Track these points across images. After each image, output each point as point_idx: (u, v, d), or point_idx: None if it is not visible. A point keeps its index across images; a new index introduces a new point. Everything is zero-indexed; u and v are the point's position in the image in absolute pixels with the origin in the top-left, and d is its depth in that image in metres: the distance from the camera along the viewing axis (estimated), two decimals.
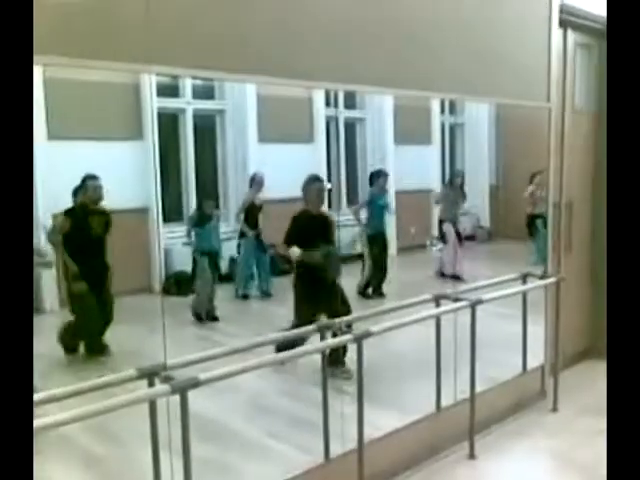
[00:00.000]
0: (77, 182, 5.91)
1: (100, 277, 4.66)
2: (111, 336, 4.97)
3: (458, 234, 7.34)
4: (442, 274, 7.12)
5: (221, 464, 3.05)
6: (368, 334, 2.93)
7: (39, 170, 5.73)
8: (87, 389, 2.32)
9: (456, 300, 3.64)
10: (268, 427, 3.66)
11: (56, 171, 5.66)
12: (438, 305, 3.63)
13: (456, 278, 6.86)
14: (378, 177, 6.97)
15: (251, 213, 6.66)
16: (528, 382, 4.56)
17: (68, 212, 4.90)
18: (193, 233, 6.23)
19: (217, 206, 6.86)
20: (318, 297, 4.29)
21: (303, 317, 4.01)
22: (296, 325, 3.91)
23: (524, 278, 4.40)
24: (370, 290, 6.55)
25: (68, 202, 5.03)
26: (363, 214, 6.86)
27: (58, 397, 2.24)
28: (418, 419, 3.56)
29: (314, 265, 4.29)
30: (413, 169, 7.78)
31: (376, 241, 6.63)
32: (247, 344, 2.81)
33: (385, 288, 6.55)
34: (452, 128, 10.61)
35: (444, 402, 3.71)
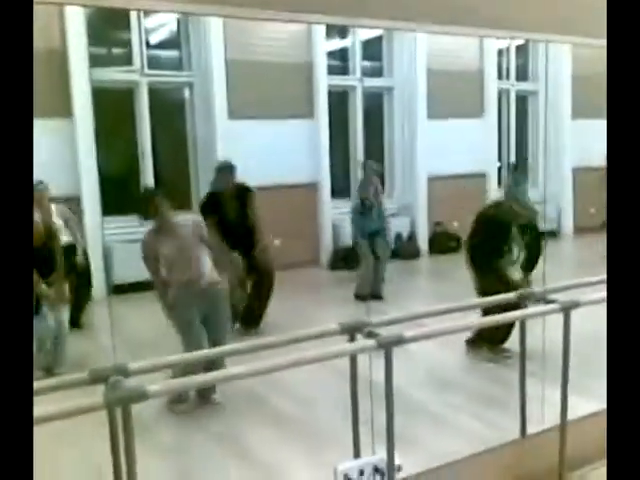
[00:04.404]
0: (256, 158, 6.19)
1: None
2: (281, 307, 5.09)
3: None
4: None
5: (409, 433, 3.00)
6: (576, 304, 2.69)
7: (220, 149, 6.14)
8: (282, 342, 2.33)
9: None
10: (453, 400, 3.55)
11: (236, 148, 5.97)
12: None
13: None
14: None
15: None
16: None
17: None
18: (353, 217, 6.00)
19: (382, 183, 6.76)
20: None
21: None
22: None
23: None
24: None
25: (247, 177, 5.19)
26: None
27: (249, 349, 2.25)
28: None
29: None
30: (594, 144, 7.11)
31: None
32: (447, 307, 2.71)
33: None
34: None
35: None
